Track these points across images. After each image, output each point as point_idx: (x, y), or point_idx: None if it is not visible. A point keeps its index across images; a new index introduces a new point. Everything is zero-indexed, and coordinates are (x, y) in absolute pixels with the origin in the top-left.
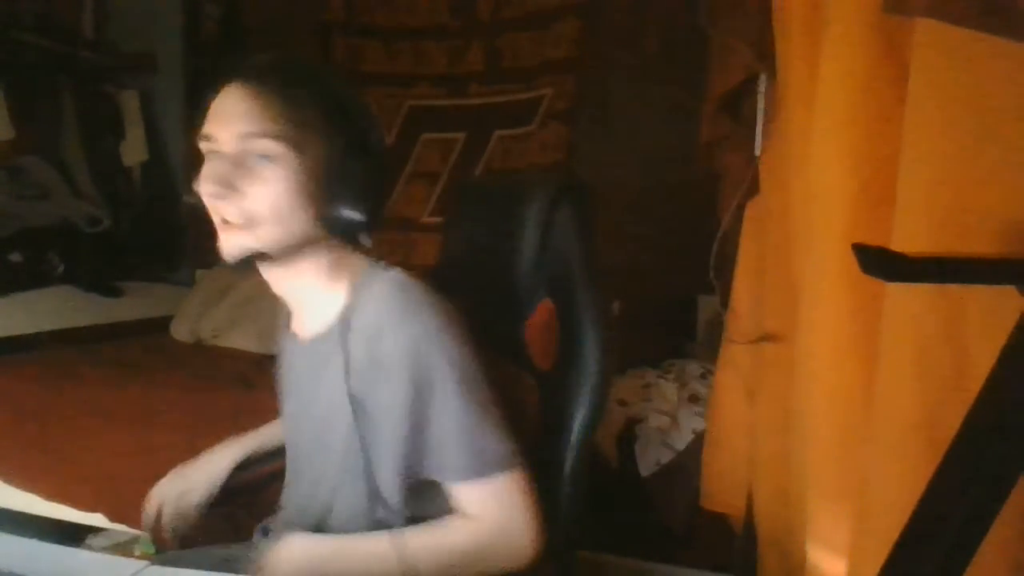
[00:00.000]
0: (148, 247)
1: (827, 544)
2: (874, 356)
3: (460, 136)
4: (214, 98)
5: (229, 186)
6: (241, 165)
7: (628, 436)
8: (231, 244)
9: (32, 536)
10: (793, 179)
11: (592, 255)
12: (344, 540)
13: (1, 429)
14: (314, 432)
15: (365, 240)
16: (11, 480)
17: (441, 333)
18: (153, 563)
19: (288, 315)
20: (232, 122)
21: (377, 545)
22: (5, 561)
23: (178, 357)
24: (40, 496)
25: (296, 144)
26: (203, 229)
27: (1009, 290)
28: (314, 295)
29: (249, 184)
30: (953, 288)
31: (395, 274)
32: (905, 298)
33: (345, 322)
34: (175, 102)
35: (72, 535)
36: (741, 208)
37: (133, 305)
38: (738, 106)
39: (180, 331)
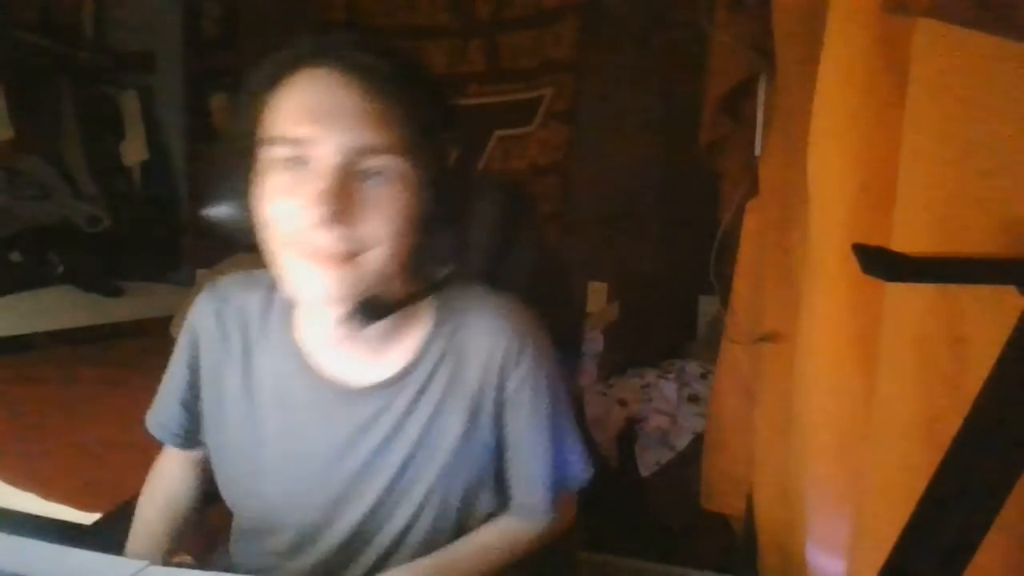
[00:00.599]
0: (148, 247)
1: (827, 544)
2: (874, 356)
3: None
4: (285, 87)
5: (342, 209)
6: (350, 182)
7: (628, 436)
8: (336, 282)
9: (32, 536)
10: (793, 179)
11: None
12: (444, 556)
13: (1, 429)
14: (367, 490)
15: (449, 269)
16: (11, 480)
17: (549, 352)
18: (153, 563)
19: (288, 350)
20: (343, 129)
21: (469, 553)
22: (5, 561)
23: None
24: (40, 496)
25: (418, 159)
26: (203, 229)
27: (1009, 290)
28: (392, 330)
29: (362, 207)
30: (953, 288)
31: (492, 304)
32: (905, 298)
33: (448, 351)
34: (175, 102)
35: (72, 535)
36: (741, 208)
37: (133, 305)
38: (738, 106)
39: (180, 331)
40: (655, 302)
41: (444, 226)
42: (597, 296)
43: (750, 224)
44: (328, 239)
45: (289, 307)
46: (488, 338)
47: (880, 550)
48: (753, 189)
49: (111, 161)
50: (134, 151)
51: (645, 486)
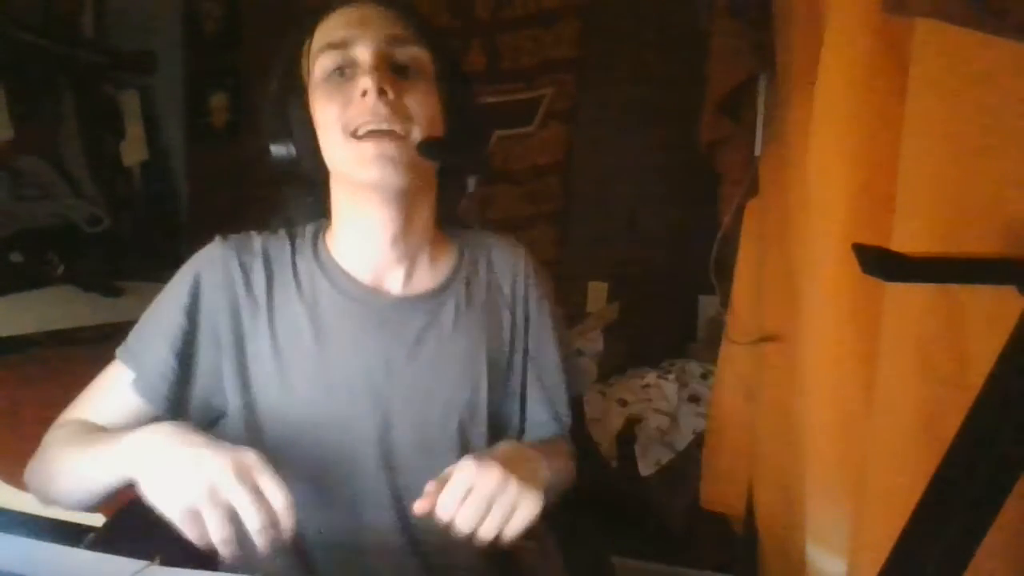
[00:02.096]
0: (148, 247)
1: (827, 544)
2: (874, 356)
3: None
4: (323, 23)
5: (387, 84)
6: (388, 69)
7: (628, 436)
8: (394, 155)
9: (32, 536)
10: (793, 179)
11: None
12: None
13: (1, 429)
14: (419, 408)
15: (471, 184)
16: (11, 480)
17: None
18: (153, 563)
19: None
20: (377, 28)
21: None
22: (5, 561)
23: None
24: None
25: (436, 55)
26: (203, 229)
27: (1009, 290)
28: (424, 245)
29: (401, 91)
30: (953, 288)
31: (505, 236)
32: (905, 298)
33: (473, 274)
34: (175, 102)
35: (72, 535)
36: (741, 208)
37: (133, 305)
38: (738, 106)
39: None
40: (655, 302)
41: (464, 121)
42: (597, 296)
43: (750, 224)
44: (377, 111)
45: (320, 237)
46: (510, 258)
47: (880, 550)
48: (753, 189)
49: (111, 161)
50: (134, 151)
51: (645, 486)
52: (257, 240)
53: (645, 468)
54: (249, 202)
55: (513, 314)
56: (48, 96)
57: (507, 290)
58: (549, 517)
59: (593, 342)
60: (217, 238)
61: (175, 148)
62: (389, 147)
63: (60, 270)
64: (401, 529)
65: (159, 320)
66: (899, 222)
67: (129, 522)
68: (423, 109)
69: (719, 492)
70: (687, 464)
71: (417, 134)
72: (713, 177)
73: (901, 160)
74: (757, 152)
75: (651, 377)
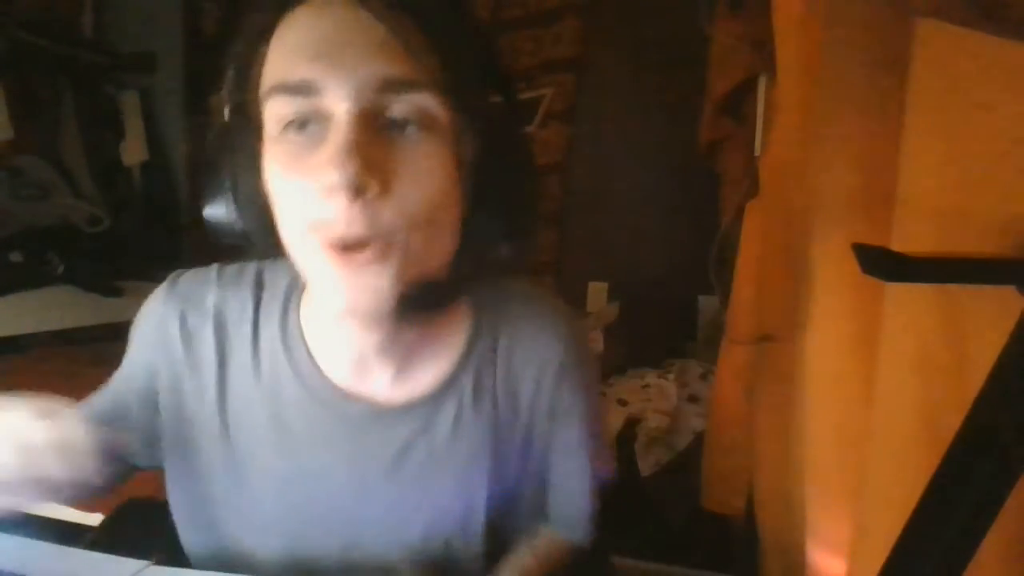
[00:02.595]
0: (148, 247)
1: (827, 544)
2: (874, 356)
3: None
4: (280, 27)
5: (367, 172)
6: (374, 136)
7: (628, 436)
8: (369, 286)
9: (32, 536)
10: (793, 179)
11: None
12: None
13: None
14: (388, 510)
15: (505, 250)
16: None
17: (592, 356)
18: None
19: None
20: (357, 61)
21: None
22: (5, 561)
23: None
24: None
25: (462, 98)
26: (203, 229)
27: (1009, 290)
28: (427, 337)
29: (393, 170)
30: (953, 288)
31: (539, 292)
32: (905, 298)
33: (489, 360)
34: (175, 102)
35: (71, 535)
36: (741, 208)
37: (133, 305)
38: (738, 106)
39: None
40: (655, 302)
41: (503, 193)
42: (597, 296)
43: (750, 224)
44: (351, 219)
45: (293, 301)
46: (540, 349)
47: (880, 550)
48: (753, 189)
49: (111, 161)
50: (134, 151)
51: (645, 486)
52: (212, 293)
53: (645, 468)
54: None
55: (531, 420)
56: (48, 96)
57: (526, 392)
58: None
59: (593, 342)
60: (164, 284)
61: (175, 148)
62: (367, 268)
63: (60, 270)
64: None
65: (92, 404)
66: (899, 222)
67: (126, 520)
68: (430, 192)
69: (719, 492)
70: (687, 464)
71: (419, 236)
72: (713, 177)
73: (901, 160)
74: (757, 152)
75: (651, 377)
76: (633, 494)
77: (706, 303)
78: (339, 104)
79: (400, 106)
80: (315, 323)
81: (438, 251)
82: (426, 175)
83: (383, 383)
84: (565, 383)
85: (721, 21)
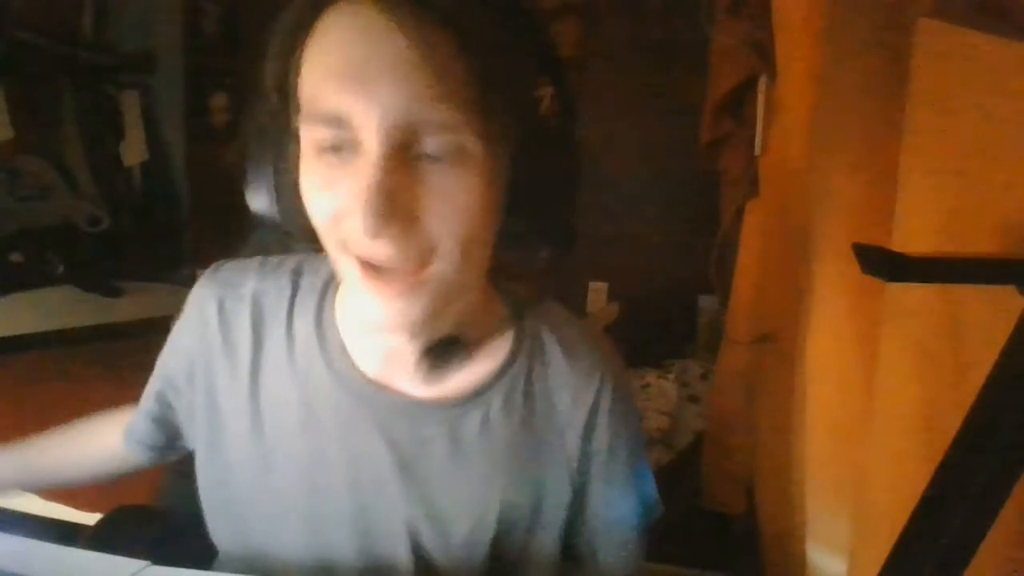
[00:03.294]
0: (148, 247)
1: (827, 544)
2: (874, 356)
3: None
4: (312, 38)
5: (395, 211)
6: (405, 169)
7: None
8: (398, 309)
9: (32, 536)
10: (793, 179)
11: None
12: None
13: (1, 429)
14: (403, 508)
15: (545, 253)
16: None
17: (632, 388)
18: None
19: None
20: (393, 97)
21: None
22: (5, 561)
23: None
24: (39, 496)
25: (500, 130)
26: (203, 229)
27: (1009, 290)
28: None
29: (424, 202)
30: (953, 288)
31: (588, 334)
32: (905, 298)
33: (526, 378)
34: (175, 102)
35: (70, 535)
36: (741, 208)
37: (133, 305)
38: (738, 106)
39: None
40: (655, 302)
41: (540, 224)
42: (597, 296)
43: (750, 224)
44: (381, 251)
45: (330, 291)
46: (579, 376)
47: (880, 550)
48: (753, 189)
49: (111, 161)
50: (134, 151)
51: None
52: (251, 280)
53: None
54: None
55: (561, 448)
56: (48, 96)
57: (562, 416)
58: None
59: None
60: (207, 271)
61: (175, 148)
62: (396, 286)
63: (60, 270)
64: None
65: (147, 394)
66: (899, 222)
67: (116, 528)
68: (457, 223)
69: (719, 492)
70: (687, 464)
71: (444, 262)
72: (713, 177)
73: (901, 160)
74: (757, 152)
75: (651, 377)
76: None
77: (706, 303)
78: (371, 139)
79: (434, 142)
80: (348, 315)
81: (474, 271)
82: (459, 207)
83: (416, 381)
84: (602, 419)
85: (721, 21)
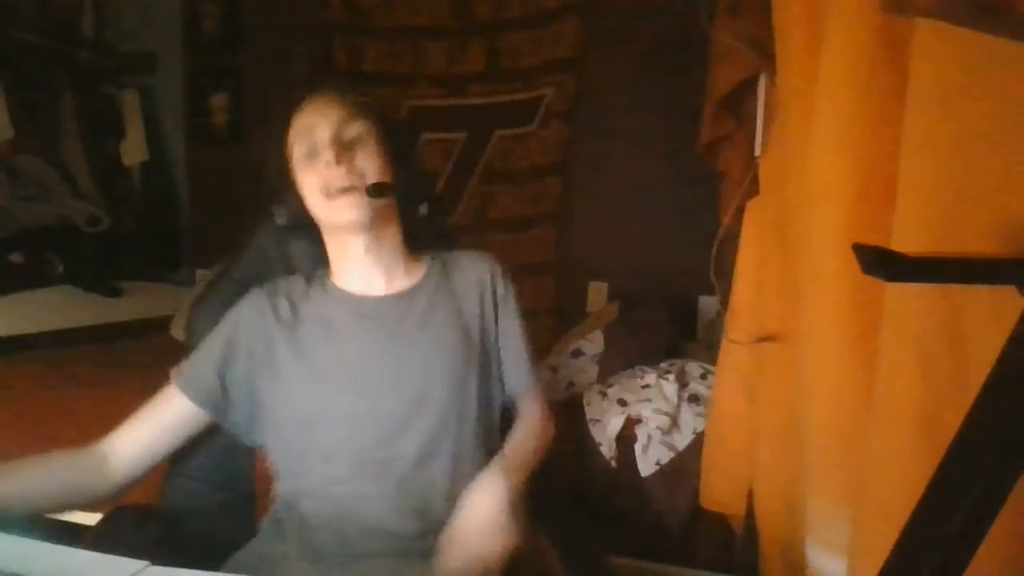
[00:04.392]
0: (148, 247)
1: (827, 544)
2: (874, 356)
3: (461, 136)
4: (301, 110)
5: (343, 152)
6: (343, 142)
7: (628, 436)
8: (355, 204)
9: (32, 536)
10: (793, 179)
11: None
12: (510, 454)
13: (1, 429)
14: (409, 377)
15: (423, 209)
16: None
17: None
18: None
19: (319, 277)
20: (332, 112)
21: (524, 443)
22: (5, 561)
23: (178, 357)
24: None
25: (376, 123)
26: (203, 229)
27: (1009, 290)
28: (396, 258)
29: (353, 155)
30: (953, 288)
31: (473, 250)
32: (905, 298)
33: (442, 276)
34: (175, 102)
35: (71, 535)
36: (741, 208)
37: (133, 305)
38: (739, 106)
39: (180, 331)
40: (655, 302)
41: (405, 165)
42: (597, 296)
43: (750, 224)
44: (340, 175)
45: (326, 274)
46: (479, 263)
47: (880, 550)
48: (753, 189)
49: (111, 161)
50: (134, 151)
51: (645, 486)
52: (282, 284)
53: (645, 468)
54: (249, 202)
55: (482, 303)
56: (48, 96)
57: (475, 287)
58: (548, 518)
59: (593, 342)
60: (253, 289)
61: (175, 148)
62: (351, 198)
63: (60, 270)
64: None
65: (205, 346)
66: (899, 222)
67: (124, 520)
68: (372, 165)
69: (719, 492)
70: (687, 464)
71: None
72: (713, 177)
73: (901, 160)
74: (757, 152)
75: (651, 377)
76: (633, 494)
77: (706, 303)
78: (324, 134)
79: (349, 130)
80: (336, 271)
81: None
82: (368, 157)
83: (380, 286)
84: (499, 283)
85: (721, 20)
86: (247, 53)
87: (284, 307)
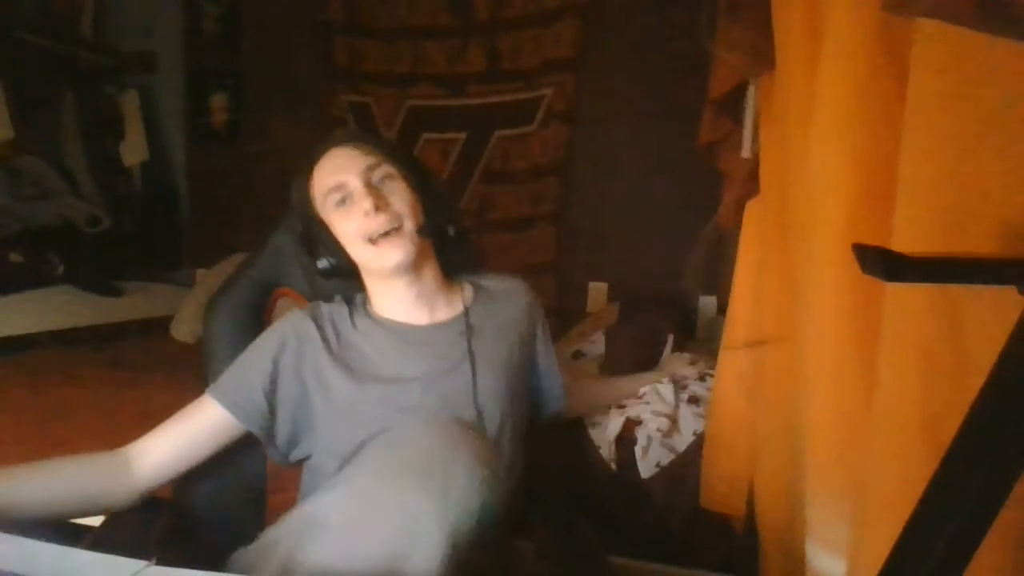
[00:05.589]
0: (148, 247)
1: (827, 544)
2: (874, 356)
3: (460, 136)
4: (318, 165)
5: (376, 201)
6: (373, 188)
7: (627, 438)
8: (396, 247)
9: (32, 536)
10: (793, 179)
11: None
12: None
13: (1, 429)
14: (463, 400)
15: (451, 231)
16: None
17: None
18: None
19: (361, 305)
20: (358, 163)
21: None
22: (5, 561)
23: (178, 357)
24: None
25: (400, 164)
26: (202, 229)
27: (1009, 290)
28: (437, 289)
29: (385, 199)
30: (953, 288)
31: (508, 274)
32: (905, 298)
33: (484, 303)
34: (175, 102)
35: (72, 535)
36: (741, 208)
37: (133, 305)
38: (738, 107)
39: (180, 331)
40: (655, 302)
41: (434, 196)
42: (597, 296)
43: (750, 224)
44: (381, 222)
45: (369, 305)
46: (517, 289)
47: (880, 550)
48: (753, 189)
49: (111, 161)
50: (134, 151)
51: (645, 488)
52: (324, 308)
53: (645, 470)
54: (248, 202)
55: (524, 328)
56: (48, 96)
57: (516, 311)
58: (548, 518)
59: (593, 343)
60: (296, 310)
61: (175, 148)
62: (395, 240)
63: (60, 270)
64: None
65: (249, 363)
66: (899, 222)
67: (125, 520)
68: (406, 205)
69: (719, 492)
70: (687, 465)
71: (409, 223)
72: (713, 177)
73: (901, 160)
74: (745, 154)
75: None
76: (633, 496)
77: (706, 303)
78: (356, 183)
79: (378, 174)
80: (378, 303)
81: (422, 243)
82: (400, 197)
83: (423, 316)
84: (536, 312)
85: (721, 24)
86: (247, 53)
87: (330, 331)
